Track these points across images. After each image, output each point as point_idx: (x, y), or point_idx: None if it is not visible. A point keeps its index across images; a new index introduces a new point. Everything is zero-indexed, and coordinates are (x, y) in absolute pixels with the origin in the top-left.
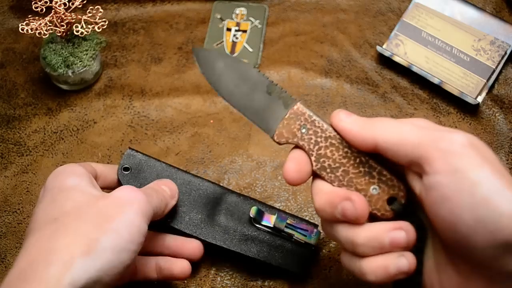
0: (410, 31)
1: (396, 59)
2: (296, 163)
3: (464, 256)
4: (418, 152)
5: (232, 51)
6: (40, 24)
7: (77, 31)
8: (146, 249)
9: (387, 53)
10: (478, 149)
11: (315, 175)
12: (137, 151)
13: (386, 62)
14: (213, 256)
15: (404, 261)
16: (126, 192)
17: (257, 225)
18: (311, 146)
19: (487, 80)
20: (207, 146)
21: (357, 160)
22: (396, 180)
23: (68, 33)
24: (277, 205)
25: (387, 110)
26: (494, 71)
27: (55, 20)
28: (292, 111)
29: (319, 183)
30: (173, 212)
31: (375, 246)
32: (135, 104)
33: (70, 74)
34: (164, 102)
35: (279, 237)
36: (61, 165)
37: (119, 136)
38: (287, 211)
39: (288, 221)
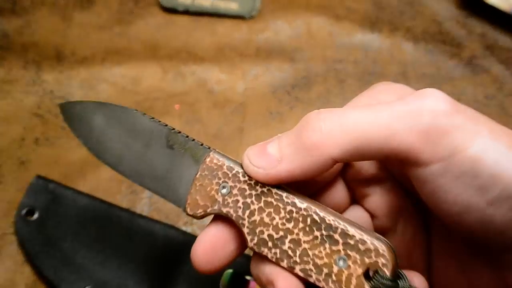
0: None
1: (492, 0)
2: (210, 242)
3: (474, 244)
4: (392, 146)
5: None
6: None
7: None
8: None
9: None
10: (463, 109)
11: (255, 253)
12: (48, 180)
13: (474, 5)
14: None
15: None
16: None
17: None
18: (240, 213)
19: None
20: None
21: (308, 220)
22: (372, 240)
23: None
24: None
25: (477, 86)
26: None
27: None
28: (204, 166)
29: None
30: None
31: None
32: (45, 77)
33: None
34: (96, 74)
35: None
36: None
37: (17, 132)
38: None
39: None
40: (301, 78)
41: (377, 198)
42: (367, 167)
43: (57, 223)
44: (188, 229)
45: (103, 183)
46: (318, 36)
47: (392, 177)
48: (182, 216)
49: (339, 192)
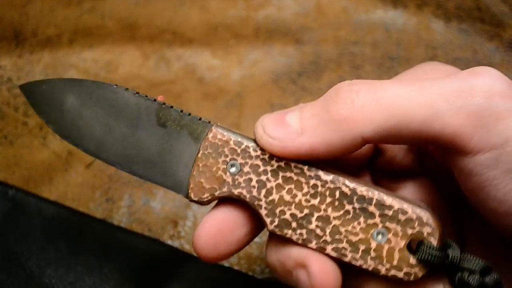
0: None
1: None
2: (218, 225)
3: None
4: (435, 128)
5: None
6: None
7: None
8: None
9: None
10: None
11: (273, 235)
12: (7, 185)
13: None
14: None
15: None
16: None
17: None
18: (255, 193)
19: None
20: None
21: (337, 194)
22: (413, 208)
23: None
24: None
25: None
26: None
27: None
28: (206, 143)
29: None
30: None
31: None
32: (1, 62)
33: None
34: (63, 59)
35: None
36: None
37: None
38: None
39: None
40: (309, 64)
41: (407, 195)
42: (402, 157)
43: (18, 236)
44: (175, 243)
45: (73, 189)
46: (329, 13)
47: (427, 171)
48: (167, 229)
49: None
